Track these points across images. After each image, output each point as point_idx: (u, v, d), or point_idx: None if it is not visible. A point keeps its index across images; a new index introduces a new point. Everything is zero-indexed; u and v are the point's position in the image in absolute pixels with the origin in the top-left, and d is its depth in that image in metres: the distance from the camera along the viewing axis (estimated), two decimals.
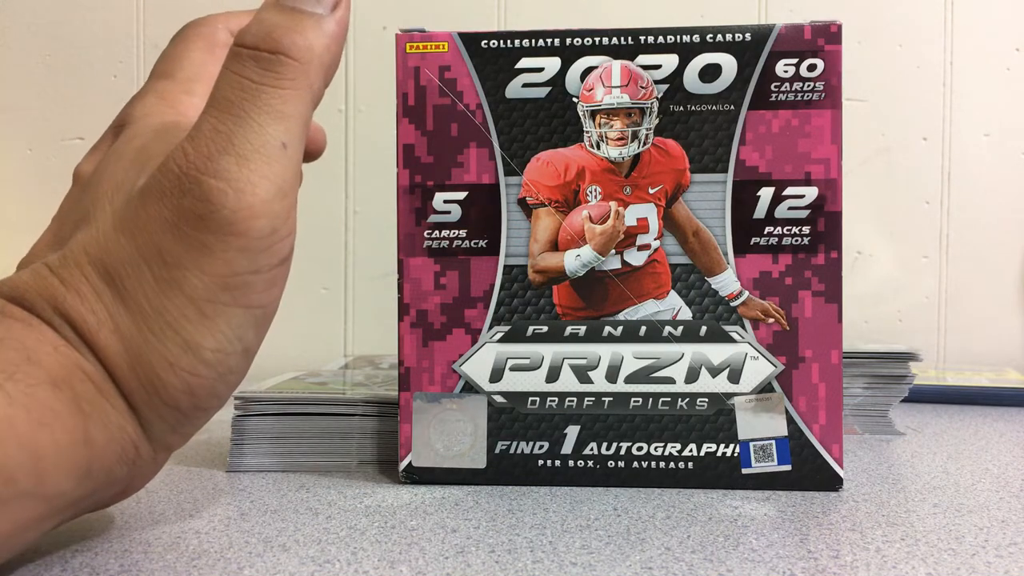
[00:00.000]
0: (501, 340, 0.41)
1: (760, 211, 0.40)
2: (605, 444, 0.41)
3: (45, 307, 0.29)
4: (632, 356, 0.41)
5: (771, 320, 0.40)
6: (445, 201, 0.41)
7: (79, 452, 0.27)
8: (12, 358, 0.27)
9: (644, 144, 0.41)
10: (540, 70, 0.41)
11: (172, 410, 0.30)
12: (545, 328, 0.41)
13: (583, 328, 0.41)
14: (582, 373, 0.41)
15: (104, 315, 0.29)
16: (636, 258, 0.41)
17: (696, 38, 0.40)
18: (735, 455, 0.40)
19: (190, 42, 0.36)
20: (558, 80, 0.41)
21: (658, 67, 0.40)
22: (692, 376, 0.40)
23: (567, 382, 0.41)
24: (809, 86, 0.40)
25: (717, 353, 0.40)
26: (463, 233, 0.41)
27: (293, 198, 0.31)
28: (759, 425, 0.40)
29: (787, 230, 0.40)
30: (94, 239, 0.30)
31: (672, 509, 0.37)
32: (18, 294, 0.29)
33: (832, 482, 0.40)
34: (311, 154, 0.37)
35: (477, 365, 0.41)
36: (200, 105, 0.34)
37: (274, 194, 0.29)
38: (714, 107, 0.40)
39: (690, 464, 0.40)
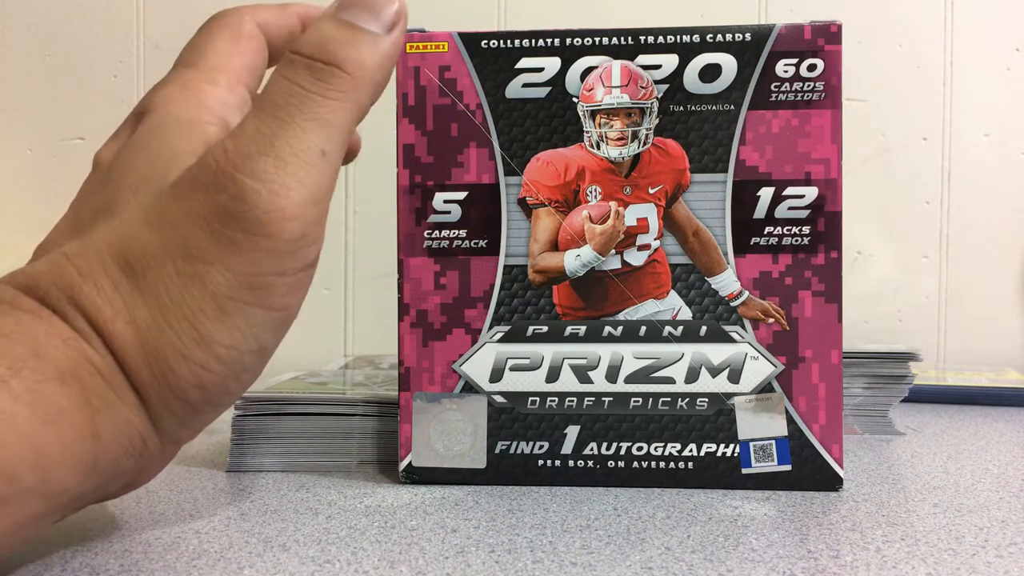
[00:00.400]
0: (501, 340, 0.41)
1: (760, 211, 0.40)
2: (605, 444, 0.41)
3: (60, 297, 0.29)
4: (632, 356, 0.41)
5: (771, 320, 0.40)
6: (445, 201, 0.41)
7: (85, 447, 0.27)
8: (20, 353, 0.27)
9: (644, 144, 0.41)
10: (540, 70, 0.41)
11: (182, 403, 0.30)
12: (545, 328, 0.41)
13: (583, 328, 0.41)
14: (582, 373, 0.41)
15: (120, 305, 0.29)
16: (636, 258, 0.41)
17: (696, 38, 0.40)
18: (735, 455, 0.40)
19: (215, 33, 0.36)
20: (558, 80, 0.41)
21: (658, 67, 0.41)
22: (692, 376, 0.40)
23: (567, 382, 0.41)
24: (809, 86, 0.40)
25: (717, 353, 0.40)
26: (463, 233, 0.41)
27: (325, 206, 0.31)
28: (759, 425, 0.40)
29: (787, 230, 0.40)
30: (116, 230, 0.30)
31: (672, 509, 0.37)
32: (33, 283, 0.29)
33: (832, 482, 0.40)
34: (346, 157, 0.38)
35: (477, 365, 0.41)
36: (223, 95, 0.34)
37: (307, 199, 0.30)
38: (714, 107, 0.40)
39: (690, 464, 0.40)
